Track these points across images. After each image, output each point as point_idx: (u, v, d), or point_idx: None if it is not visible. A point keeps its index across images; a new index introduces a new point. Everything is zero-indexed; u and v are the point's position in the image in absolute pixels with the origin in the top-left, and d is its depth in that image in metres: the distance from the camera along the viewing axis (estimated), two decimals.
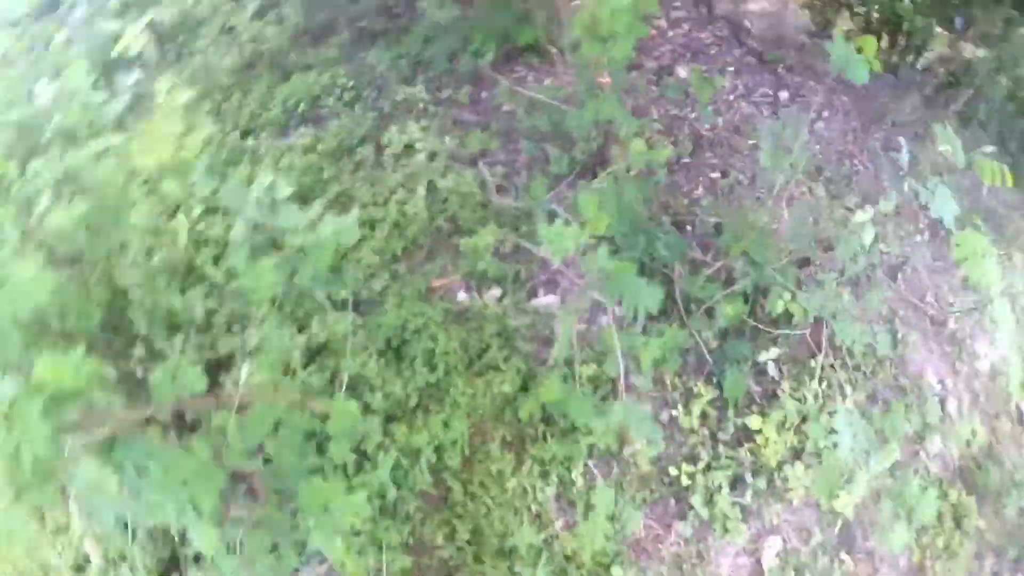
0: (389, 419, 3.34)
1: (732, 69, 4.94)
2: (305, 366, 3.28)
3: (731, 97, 4.61)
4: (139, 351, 3.05)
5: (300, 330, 3.37)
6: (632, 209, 3.32)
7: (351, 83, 4.50)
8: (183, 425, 2.40)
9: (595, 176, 3.88)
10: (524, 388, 3.35)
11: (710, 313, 3.42)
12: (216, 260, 3.21)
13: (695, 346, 3.42)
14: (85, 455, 2.10)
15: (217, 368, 3.39)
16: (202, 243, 3.31)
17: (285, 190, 2.98)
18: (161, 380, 2.21)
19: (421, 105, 4.34)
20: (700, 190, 3.98)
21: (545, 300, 3.58)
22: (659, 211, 3.72)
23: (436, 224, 3.79)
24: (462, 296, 3.63)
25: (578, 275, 3.62)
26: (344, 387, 3.09)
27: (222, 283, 3.26)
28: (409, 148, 4.09)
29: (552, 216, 3.59)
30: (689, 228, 3.76)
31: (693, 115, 4.36)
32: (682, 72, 4.82)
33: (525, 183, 3.85)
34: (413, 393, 3.37)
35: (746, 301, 3.40)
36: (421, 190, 3.85)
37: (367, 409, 3.23)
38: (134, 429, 2.21)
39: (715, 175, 4.05)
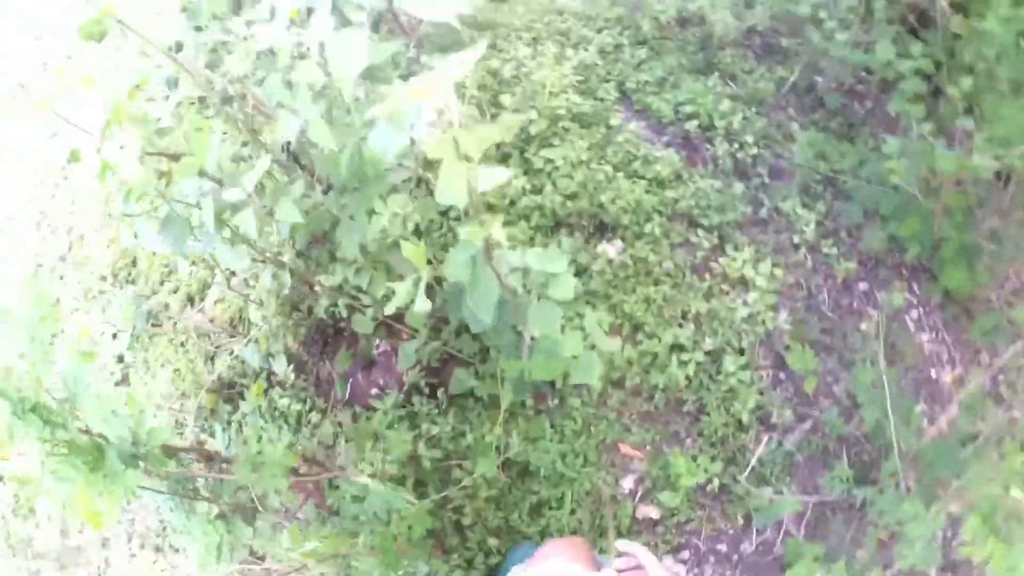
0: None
1: None
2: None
3: None
4: (330, 281, 2.46)
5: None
6: None
7: (756, 147, 3.38)
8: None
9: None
10: None
11: None
12: None
13: None
14: None
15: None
16: None
17: (565, 289, 2.15)
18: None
19: (796, 239, 3.23)
20: None
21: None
22: None
23: (681, 396, 2.85)
24: (627, 484, 2.77)
25: None
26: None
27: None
28: (740, 283, 3.05)
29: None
30: None
31: None
32: None
33: (788, 460, 2.81)
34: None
35: None
36: (708, 345, 2.87)
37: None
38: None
39: None
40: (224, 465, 1.95)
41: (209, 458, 1.91)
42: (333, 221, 2.26)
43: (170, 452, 1.66)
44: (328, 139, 1.80)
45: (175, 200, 1.89)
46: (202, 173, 1.98)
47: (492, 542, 2.67)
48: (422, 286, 1.85)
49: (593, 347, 2.38)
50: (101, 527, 1.47)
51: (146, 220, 1.83)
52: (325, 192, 2.32)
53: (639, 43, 3.79)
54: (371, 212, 2.12)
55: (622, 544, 1.51)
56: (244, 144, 2.10)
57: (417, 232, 2.77)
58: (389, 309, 1.89)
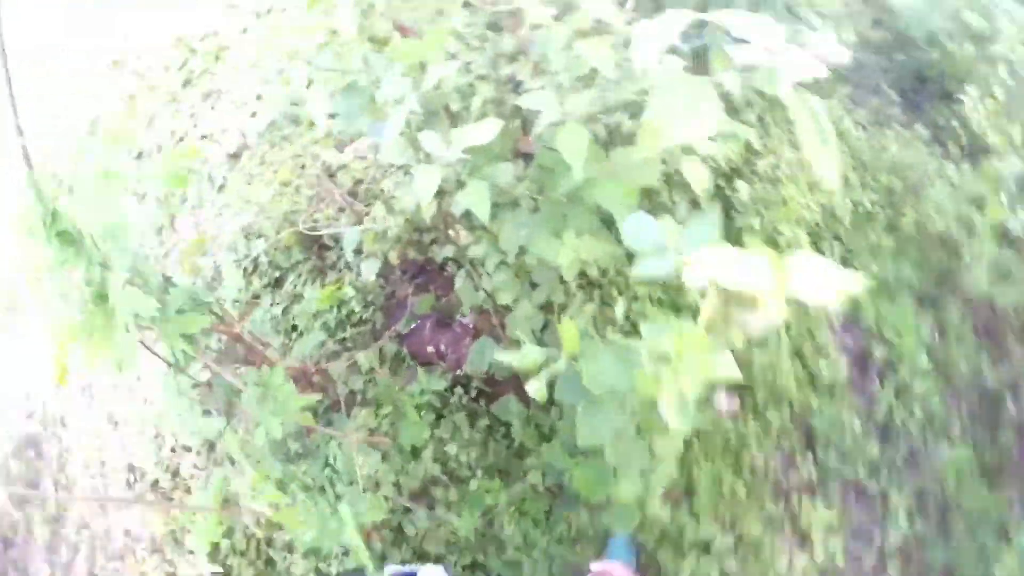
0: None
1: None
2: None
3: None
4: (467, 243, 2.15)
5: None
6: None
7: (913, 421, 2.95)
8: None
9: None
10: None
11: None
12: None
13: None
14: None
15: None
16: None
17: (670, 451, 1.87)
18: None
19: (876, 537, 2.75)
20: None
21: None
22: None
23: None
24: None
25: None
26: None
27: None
28: (802, 539, 2.64)
29: None
30: None
31: None
32: None
33: None
34: None
35: None
36: (728, 567, 2.51)
37: None
38: None
39: None
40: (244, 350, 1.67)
41: (235, 337, 1.63)
42: (512, 202, 1.92)
43: (190, 338, 1.38)
44: (577, 158, 1.46)
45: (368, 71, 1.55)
46: (421, 67, 1.64)
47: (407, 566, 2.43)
48: (552, 369, 1.53)
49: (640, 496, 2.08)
50: (64, 383, 1.21)
51: (328, 78, 1.51)
52: (525, 165, 1.97)
53: (892, 229, 3.34)
54: (557, 234, 1.79)
55: (596, 565, 1.56)
56: (480, 78, 1.73)
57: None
58: (505, 356, 1.57)
